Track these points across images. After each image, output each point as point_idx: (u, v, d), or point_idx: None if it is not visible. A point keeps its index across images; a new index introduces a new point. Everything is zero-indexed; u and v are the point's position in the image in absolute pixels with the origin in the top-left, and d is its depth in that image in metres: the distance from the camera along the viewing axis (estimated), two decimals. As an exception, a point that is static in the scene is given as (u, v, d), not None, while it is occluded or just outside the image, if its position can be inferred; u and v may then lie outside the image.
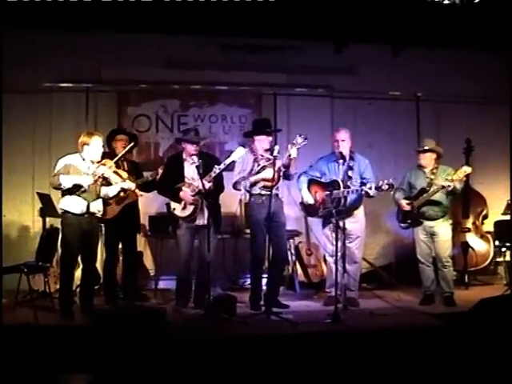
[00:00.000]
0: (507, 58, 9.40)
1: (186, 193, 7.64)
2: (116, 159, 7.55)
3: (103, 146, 7.44)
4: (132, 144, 8.03)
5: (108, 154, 7.88)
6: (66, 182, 7.05)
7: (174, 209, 7.78)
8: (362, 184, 7.66)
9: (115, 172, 7.38)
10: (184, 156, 7.83)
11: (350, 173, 7.75)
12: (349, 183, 7.66)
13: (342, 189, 7.60)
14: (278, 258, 7.82)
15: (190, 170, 7.67)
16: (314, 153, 8.08)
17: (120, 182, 7.40)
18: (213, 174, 7.42)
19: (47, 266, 7.80)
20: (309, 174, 8.04)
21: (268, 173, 7.53)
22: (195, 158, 7.44)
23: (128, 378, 4.85)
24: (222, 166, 7.44)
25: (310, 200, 7.94)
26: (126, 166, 8.09)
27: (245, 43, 9.64)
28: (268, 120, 8.33)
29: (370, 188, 7.42)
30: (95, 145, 7.24)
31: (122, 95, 9.76)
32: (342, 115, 9.88)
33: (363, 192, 7.56)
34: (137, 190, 7.70)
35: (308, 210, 8.13)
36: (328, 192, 7.71)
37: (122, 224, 8.00)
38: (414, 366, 5.44)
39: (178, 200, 7.71)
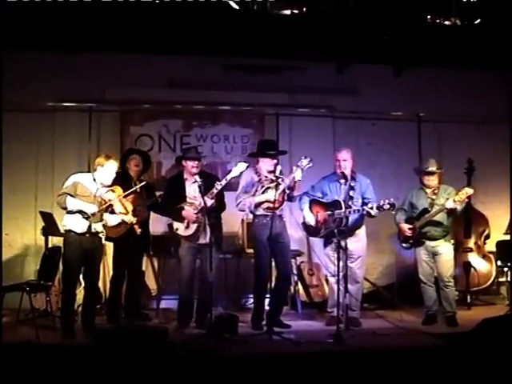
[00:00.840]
0: (508, 77, 9.44)
1: (189, 211, 7.65)
2: (127, 193, 7.50)
3: (116, 172, 7.44)
4: (144, 183, 7.97)
5: (120, 174, 7.88)
6: (72, 206, 7.09)
7: (177, 229, 7.78)
8: (364, 204, 7.69)
9: (121, 202, 7.36)
10: (185, 176, 7.85)
11: (351, 193, 7.75)
12: (350, 203, 7.66)
13: (343, 209, 7.61)
14: (283, 278, 7.84)
15: (191, 189, 7.69)
16: (315, 173, 8.07)
17: (121, 215, 7.38)
18: (215, 191, 7.44)
19: (49, 285, 7.83)
20: (310, 195, 8.05)
21: (271, 194, 7.55)
22: (197, 177, 7.48)
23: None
24: (224, 182, 7.46)
25: (311, 221, 7.95)
26: (137, 185, 8.01)
27: (247, 63, 9.67)
28: (273, 141, 8.43)
29: (372, 208, 7.44)
30: (109, 168, 7.26)
31: (125, 115, 9.79)
32: (344, 135, 9.90)
33: (365, 212, 7.58)
34: (135, 227, 7.63)
35: (310, 230, 8.13)
36: (330, 212, 7.73)
37: (132, 244, 7.94)
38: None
39: (181, 219, 7.72)
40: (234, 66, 9.71)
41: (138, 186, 7.82)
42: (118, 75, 9.43)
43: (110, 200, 7.22)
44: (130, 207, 7.48)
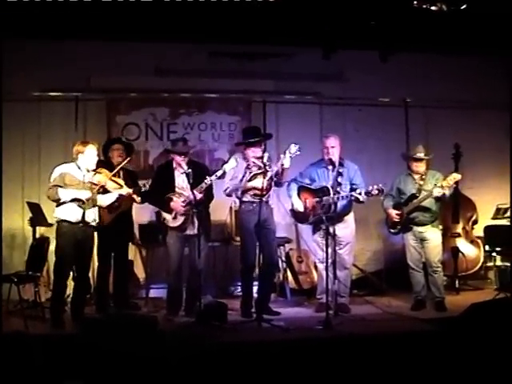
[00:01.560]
0: (496, 63, 9.45)
1: (177, 203, 7.64)
2: (114, 172, 7.52)
3: (98, 155, 7.43)
4: (129, 159, 8.03)
5: (103, 162, 7.88)
6: (65, 196, 7.08)
7: (165, 219, 7.77)
8: (352, 190, 7.68)
9: (111, 179, 7.38)
10: (174, 165, 7.82)
11: (339, 179, 7.76)
12: (338, 189, 7.67)
13: (331, 195, 7.61)
14: (268, 265, 7.83)
15: (180, 179, 7.68)
16: (303, 159, 8.05)
17: (117, 190, 7.41)
18: (204, 186, 7.42)
19: (37, 276, 7.78)
20: (298, 181, 8.05)
21: (259, 181, 7.54)
22: (185, 167, 7.47)
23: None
24: (214, 178, 7.44)
25: (300, 207, 7.95)
26: (121, 175, 8.05)
27: (233, 50, 9.63)
28: (257, 128, 8.37)
29: (360, 193, 7.44)
30: (90, 153, 7.25)
31: (111, 104, 9.74)
32: (331, 121, 9.88)
33: (353, 198, 7.58)
34: (134, 196, 7.69)
35: (298, 216, 8.14)
36: (318, 198, 7.73)
37: (115, 233, 7.96)
38: (406, 371, 5.45)
39: (169, 210, 7.70)
40: (221, 53, 9.66)
41: (124, 162, 7.87)
42: (103, 64, 9.36)
43: (99, 182, 7.23)
44: (121, 181, 7.54)
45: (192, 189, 7.36)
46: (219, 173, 7.45)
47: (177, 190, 7.71)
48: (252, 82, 9.93)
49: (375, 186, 7.33)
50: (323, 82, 10.08)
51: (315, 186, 7.91)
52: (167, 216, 7.74)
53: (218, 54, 9.67)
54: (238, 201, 7.98)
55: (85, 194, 7.14)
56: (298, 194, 8.00)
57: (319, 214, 7.65)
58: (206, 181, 7.40)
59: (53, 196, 7.10)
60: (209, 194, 7.71)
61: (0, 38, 7.33)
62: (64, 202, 7.12)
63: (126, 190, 7.48)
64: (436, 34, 8.58)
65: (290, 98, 10.13)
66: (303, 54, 9.59)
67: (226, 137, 9.90)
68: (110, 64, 9.38)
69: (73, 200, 7.10)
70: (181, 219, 7.64)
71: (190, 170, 7.42)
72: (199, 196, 7.41)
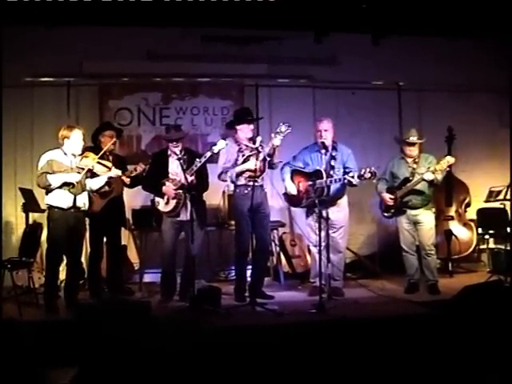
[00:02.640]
0: (489, 46, 9.44)
1: (169, 187, 7.64)
2: (100, 154, 7.50)
3: (84, 140, 7.39)
4: (114, 140, 8.03)
5: (93, 148, 7.86)
6: (55, 181, 7.08)
7: (158, 203, 7.77)
8: (345, 173, 7.68)
9: (99, 163, 7.36)
10: (169, 152, 7.81)
11: (332, 162, 7.77)
12: (331, 173, 7.67)
13: (324, 178, 7.61)
14: (262, 249, 7.84)
15: (174, 165, 7.68)
16: (296, 143, 8.08)
17: (105, 173, 7.42)
18: (194, 168, 7.41)
19: (31, 262, 7.77)
20: (292, 165, 8.04)
21: (252, 163, 7.55)
22: (178, 153, 7.50)
23: (113, 372, 4.84)
24: (203, 159, 7.42)
25: (293, 190, 7.94)
26: (111, 159, 8.03)
27: (226, 34, 9.59)
28: (248, 109, 8.36)
29: (353, 177, 7.44)
30: (75, 138, 7.24)
31: (104, 88, 9.71)
32: (324, 105, 9.86)
33: (346, 181, 7.57)
34: (124, 177, 7.70)
35: (291, 200, 8.13)
36: (311, 182, 7.72)
37: (107, 218, 7.96)
38: (400, 354, 5.47)
39: (162, 195, 7.70)
40: (213, 37, 9.62)
41: (110, 143, 7.85)
42: (95, 48, 9.33)
43: (87, 166, 7.22)
44: (109, 164, 7.51)
45: (184, 172, 7.36)
46: (208, 154, 7.42)
47: (170, 175, 7.69)
48: (245, 65, 9.92)
49: (367, 169, 7.32)
50: (316, 66, 10.06)
51: (308, 170, 7.90)
52: (160, 201, 7.74)
53: (211, 38, 9.63)
54: (232, 185, 7.98)
55: (75, 177, 7.15)
56: (292, 178, 7.99)
57: (312, 198, 7.65)
58: (195, 163, 7.41)
59: (43, 183, 7.10)
60: (202, 179, 7.70)
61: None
62: (55, 188, 7.11)
63: (114, 172, 7.49)
64: (428, 16, 8.57)
65: (283, 81, 10.10)
66: (296, 38, 9.56)
67: (219, 121, 9.86)
68: (102, 49, 9.35)
69: (63, 185, 7.10)
70: (172, 203, 7.63)
71: (183, 155, 7.50)
72: (190, 179, 7.40)
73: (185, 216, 7.61)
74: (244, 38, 9.69)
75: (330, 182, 7.61)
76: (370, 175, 7.32)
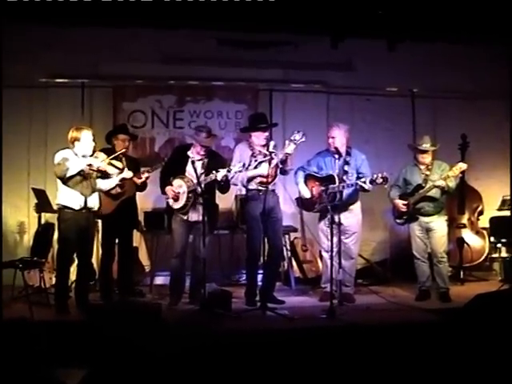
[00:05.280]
0: (504, 53, 9.40)
1: (170, 190, 7.69)
2: (112, 156, 7.49)
3: (94, 140, 7.38)
4: (127, 144, 8.09)
5: (106, 149, 7.87)
6: (73, 166, 7.06)
7: (168, 198, 7.80)
8: (358, 178, 7.67)
9: (110, 164, 7.36)
10: (191, 150, 7.79)
11: (346, 168, 7.77)
12: (344, 178, 7.67)
13: (337, 183, 7.61)
14: (274, 254, 7.84)
15: (192, 165, 7.60)
16: (309, 148, 8.07)
17: (118, 175, 7.43)
18: (208, 179, 7.46)
19: (42, 262, 7.79)
20: (306, 169, 8.04)
21: (264, 169, 7.54)
22: (199, 155, 7.67)
23: (123, 373, 4.84)
24: (219, 175, 7.40)
25: (306, 194, 7.94)
26: (123, 159, 8.04)
27: (241, 39, 9.61)
28: (264, 115, 8.32)
29: (365, 182, 7.44)
30: (85, 139, 7.23)
31: (118, 90, 9.73)
32: (338, 111, 9.87)
33: (358, 186, 7.57)
34: (135, 179, 7.74)
35: (304, 204, 8.14)
36: (324, 187, 7.72)
37: (120, 220, 8.00)
38: (410, 362, 5.45)
39: (164, 193, 7.77)
40: (228, 41, 9.64)
41: (122, 150, 7.92)
42: (110, 50, 9.38)
43: (98, 167, 7.23)
44: (120, 164, 7.52)
45: (200, 176, 7.39)
46: (225, 171, 7.43)
47: (187, 174, 7.67)
48: (259, 70, 9.92)
49: (379, 175, 7.31)
50: (331, 72, 10.07)
51: (321, 174, 7.91)
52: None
53: (226, 42, 9.65)
54: (243, 189, 7.98)
55: (94, 161, 7.15)
56: (305, 182, 8.00)
57: (325, 203, 7.64)
58: (211, 175, 7.44)
59: (62, 171, 7.03)
60: (225, 185, 7.71)
61: (6, 22, 7.32)
62: (67, 181, 7.11)
63: (126, 174, 7.51)
64: (444, 23, 8.55)
65: (297, 86, 10.12)
66: (311, 43, 9.57)
67: (233, 125, 9.87)
68: (117, 51, 9.39)
69: (79, 172, 7.09)
70: (182, 201, 7.65)
71: (206, 159, 7.68)
72: (203, 185, 7.40)
73: (195, 217, 7.62)
74: (259, 42, 9.70)
75: (343, 187, 7.61)
76: (381, 180, 7.32)
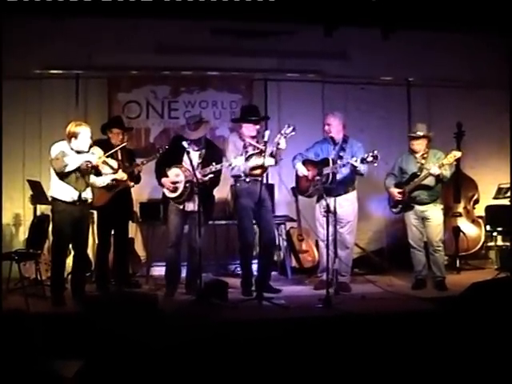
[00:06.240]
0: (500, 41, 9.39)
1: (167, 182, 7.67)
2: (108, 154, 7.46)
3: (91, 137, 7.33)
4: (124, 142, 8.04)
5: (101, 142, 7.84)
6: (72, 161, 7.02)
7: (163, 186, 7.80)
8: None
9: (105, 162, 7.32)
10: (188, 142, 7.75)
11: (341, 153, 7.82)
12: (339, 162, 7.69)
13: (331, 165, 7.65)
14: (267, 243, 7.85)
15: (191, 154, 7.59)
16: (305, 137, 8.10)
17: (110, 174, 7.40)
18: (208, 171, 7.45)
19: (38, 254, 7.79)
20: (304, 155, 8.07)
21: (255, 161, 7.56)
22: (195, 147, 7.66)
23: (119, 365, 4.84)
24: (219, 167, 7.47)
25: (304, 171, 7.96)
26: (119, 153, 8.02)
27: (235, 28, 9.57)
28: (255, 107, 8.32)
29: (356, 161, 7.46)
30: (83, 136, 7.16)
31: (113, 81, 9.72)
32: (333, 100, 9.86)
33: (349, 165, 7.61)
34: (128, 182, 7.77)
35: (299, 188, 8.17)
36: (318, 170, 7.76)
37: (115, 211, 7.98)
38: (406, 350, 5.45)
39: (160, 183, 7.76)
40: (222, 30, 9.60)
41: (118, 147, 7.88)
42: (104, 41, 9.34)
43: (94, 164, 7.20)
44: (115, 164, 7.48)
45: (197, 168, 7.38)
46: (225, 164, 7.48)
47: (184, 164, 7.65)
48: (254, 59, 9.91)
49: (370, 153, 7.37)
50: (325, 61, 10.05)
51: (317, 159, 7.95)
52: None
53: (220, 32, 9.61)
54: (240, 179, 7.96)
55: (91, 157, 7.12)
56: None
57: (318, 185, 7.75)
58: (211, 167, 7.44)
59: (60, 166, 7.00)
60: (216, 179, 7.71)
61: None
62: (62, 176, 7.09)
63: (119, 175, 7.48)
64: (438, 11, 8.53)
65: (292, 76, 10.09)
66: (305, 32, 9.54)
67: (228, 115, 9.84)
68: (110, 41, 9.36)
69: (77, 168, 7.05)
70: (178, 192, 7.64)
71: (203, 150, 7.68)
72: (200, 177, 7.39)
73: (191, 206, 7.62)
74: (253, 31, 9.66)
75: (336, 168, 7.66)
76: (372, 158, 7.37)
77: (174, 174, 7.67)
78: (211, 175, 7.47)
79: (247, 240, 7.83)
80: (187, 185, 7.56)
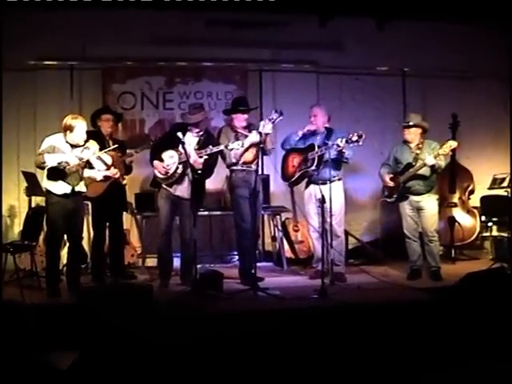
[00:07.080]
0: (497, 32, 9.39)
1: (160, 165, 7.69)
2: (103, 152, 7.43)
3: (86, 132, 7.30)
4: (117, 146, 8.00)
5: (93, 132, 7.79)
6: (51, 160, 6.98)
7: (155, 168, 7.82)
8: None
9: (99, 158, 7.29)
10: (188, 128, 7.81)
11: (326, 141, 7.85)
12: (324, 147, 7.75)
13: (316, 149, 7.75)
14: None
15: (188, 140, 7.63)
16: (299, 127, 8.08)
17: (104, 171, 7.36)
18: (204, 153, 7.49)
19: (33, 245, 7.77)
20: (293, 143, 8.13)
21: (254, 137, 7.63)
22: (195, 133, 7.73)
23: (114, 356, 4.85)
24: (215, 150, 7.54)
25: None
26: (110, 144, 8.01)
27: (230, 19, 9.55)
28: (245, 98, 8.44)
29: (341, 141, 7.50)
30: (79, 129, 7.08)
31: (107, 72, 9.69)
32: (327, 91, 9.86)
33: (334, 147, 7.60)
34: (121, 179, 7.76)
35: (284, 175, 8.24)
36: (303, 156, 7.86)
37: (109, 202, 7.96)
38: (402, 340, 5.47)
39: (153, 166, 7.78)
40: (217, 21, 9.58)
41: (113, 147, 7.80)
42: (98, 32, 9.30)
43: (88, 159, 7.17)
44: (109, 160, 7.43)
45: (186, 152, 7.40)
46: (221, 147, 7.54)
47: (180, 148, 7.64)
48: (248, 50, 9.88)
49: (355, 133, 7.41)
50: (320, 51, 10.03)
51: (303, 145, 8.05)
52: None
53: (214, 22, 9.59)
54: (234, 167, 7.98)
55: (72, 159, 7.05)
56: (288, 156, 8.20)
57: (302, 169, 7.88)
58: (206, 149, 7.50)
59: (39, 162, 7.00)
60: (210, 168, 7.74)
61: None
62: (52, 176, 7.06)
63: (111, 172, 7.44)
64: (434, 1, 8.53)
65: (287, 66, 10.09)
66: (300, 23, 9.53)
67: (223, 105, 9.79)
68: (105, 32, 9.33)
69: (59, 165, 6.99)
70: (169, 172, 7.67)
71: (202, 137, 7.75)
72: (194, 159, 7.44)
73: (179, 191, 7.66)
74: (248, 22, 9.64)
75: (321, 150, 7.74)
76: (356, 138, 7.42)
77: (169, 156, 7.69)
78: (206, 157, 7.50)
79: (246, 227, 7.81)
80: (179, 165, 7.57)
